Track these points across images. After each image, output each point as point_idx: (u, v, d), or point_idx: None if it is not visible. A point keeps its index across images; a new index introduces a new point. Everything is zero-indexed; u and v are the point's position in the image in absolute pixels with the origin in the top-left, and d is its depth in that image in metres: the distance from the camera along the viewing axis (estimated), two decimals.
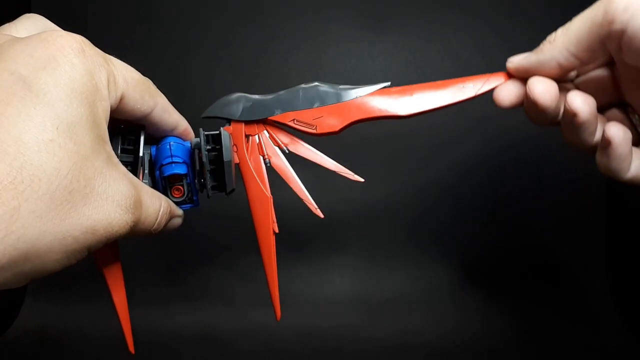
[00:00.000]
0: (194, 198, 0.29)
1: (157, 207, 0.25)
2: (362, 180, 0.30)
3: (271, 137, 0.30)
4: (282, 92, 0.29)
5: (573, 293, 0.60)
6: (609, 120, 0.28)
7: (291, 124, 0.29)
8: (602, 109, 0.28)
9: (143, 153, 0.26)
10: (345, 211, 0.62)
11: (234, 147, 0.30)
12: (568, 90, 0.27)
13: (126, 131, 0.26)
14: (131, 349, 0.31)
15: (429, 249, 0.62)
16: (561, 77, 0.27)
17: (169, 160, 0.27)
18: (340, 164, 0.30)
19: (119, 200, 0.21)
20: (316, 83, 0.29)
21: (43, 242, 0.18)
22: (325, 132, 0.29)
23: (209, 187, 0.29)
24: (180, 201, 0.28)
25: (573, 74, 0.29)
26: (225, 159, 0.28)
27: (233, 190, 0.29)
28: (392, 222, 0.63)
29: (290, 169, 0.30)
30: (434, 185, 0.62)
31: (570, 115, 0.26)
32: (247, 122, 0.30)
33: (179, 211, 0.28)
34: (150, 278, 0.61)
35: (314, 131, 0.29)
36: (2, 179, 0.17)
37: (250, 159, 0.30)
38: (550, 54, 0.27)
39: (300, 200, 0.30)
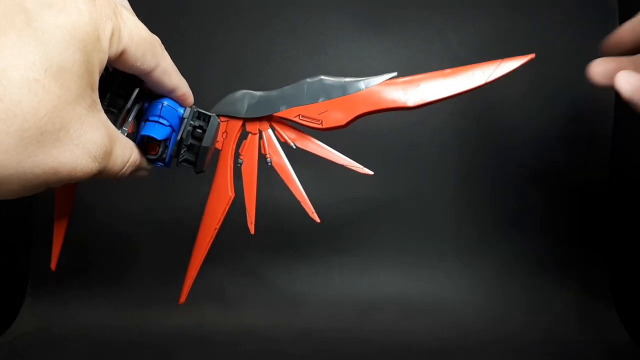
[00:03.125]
0: (167, 159, 0.29)
1: (125, 158, 0.25)
2: (371, 173, 0.30)
3: (277, 133, 0.30)
4: (286, 87, 0.29)
5: (573, 293, 0.60)
6: None
7: (296, 119, 0.29)
8: None
9: (132, 105, 0.26)
10: (345, 211, 0.62)
11: (224, 133, 0.30)
12: None
13: (125, 77, 0.26)
14: (53, 267, 0.31)
15: (429, 248, 0.62)
16: None
17: (156, 119, 0.27)
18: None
19: (89, 148, 0.21)
20: (321, 77, 0.29)
21: (2, 173, 0.18)
22: (332, 126, 0.29)
23: (181, 158, 0.29)
24: (154, 159, 0.28)
25: None
26: (203, 144, 0.29)
27: (202, 172, 0.29)
28: (392, 221, 0.63)
29: (290, 170, 0.30)
30: (435, 185, 0.62)
31: None
32: (250, 120, 0.30)
33: (147, 165, 0.28)
34: (150, 278, 0.61)
35: (320, 126, 0.29)
36: None
37: (245, 156, 0.30)
38: None
39: (311, 194, 0.30)
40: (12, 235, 0.61)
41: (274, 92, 0.29)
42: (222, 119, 0.30)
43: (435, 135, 0.61)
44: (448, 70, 0.29)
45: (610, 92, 0.61)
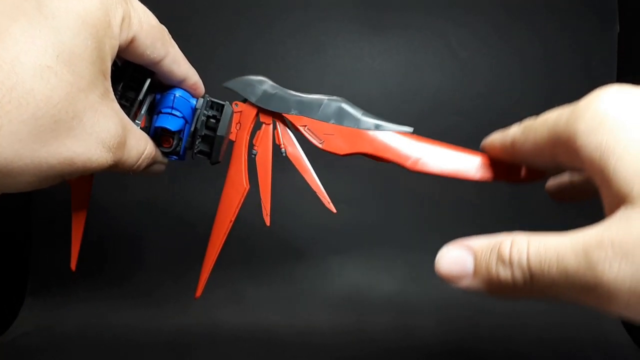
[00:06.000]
0: (181, 152, 0.28)
1: (140, 150, 0.24)
2: (334, 211, 0.30)
3: (276, 132, 0.30)
4: (305, 95, 0.29)
5: None
6: None
7: (301, 129, 0.29)
8: None
9: (144, 97, 0.26)
10: (345, 210, 0.62)
11: (238, 124, 0.29)
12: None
13: (136, 69, 0.26)
14: (73, 267, 0.31)
15: (430, 248, 0.62)
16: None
17: (169, 110, 0.27)
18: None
19: (103, 138, 0.21)
20: (342, 103, 0.29)
21: (18, 163, 0.18)
22: (330, 151, 0.28)
23: (195, 150, 0.29)
24: (168, 152, 0.28)
25: None
26: (218, 133, 0.28)
27: (218, 162, 0.29)
28: (392, 221, 0.63)
29: (305, 160, 0.30)
30: (436, 185, 0.62)
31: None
32: (264, 110, 0.29)
33: (163, 159, 0.28)
34: (151, 278, 0.61)
35: (320, 145, 0.28)
36: None
37: (259, 147, 0.29)
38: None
39: (312, 194, 0.30)
40: (12, 235, 0.61)
41: (292, 93, 0.29)
42: (236, 109, 0.29)
43: (435, 135, 0.61)
44: (466, 151, 0.29)
45: None
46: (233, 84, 0.30)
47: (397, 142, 0.28)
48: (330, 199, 0.30)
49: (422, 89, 0.60)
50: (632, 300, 0.15)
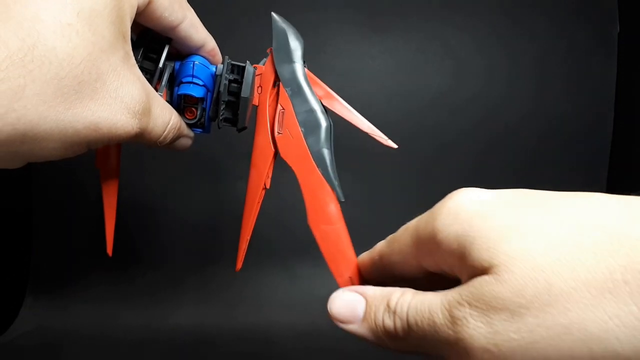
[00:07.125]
0: (206, 124, 0.28)
1: (166, 120, 0.24)
2: (395, 146, 0.29)
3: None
4: (310, 91, 0.28)
5: None
6: None
7: (279, 108, 0.28)
8: None
9: (164, 65, 0.26)
10: (344, 211, 0.62)
11: (259, 88, 0.29)
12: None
13: (153, 39, 0.25)
14: (109, 252, 0.30)
15: None
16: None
17: (189, 79, 0.26)
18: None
19: (128, 102, 0.20)
20: (324, 124, 0.28)
21: (43, 127, 0.17)
22: (278, 145, 0.28)
23: (220, 117, 0.28)
24: (192, 123, 0.27)
25: None
26: (242, 95, 0.27)
27: (245, 128, 0.28)
28: (392, 220, 0.62)
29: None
30: (435, 184, 0.62)
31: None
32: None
33: (189, 132, 0.27)
34: (151, 277, 0.61)
35: (276, 134, 0.28)
36: (12, 54, 0.16)
37: (269, 106, 0.28)
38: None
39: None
40: (13, 235, 0.61)
41: (304, 77, 0.28)
42: (256, 73, 0.29)
43: (434, 134, 0.61)
44: (352, 258, 0.29)
45: (611, 92, 0.61)
46: (278, 19, 0.29)
47: (323, 195, 0.28)
48: None
49: (422, 89, 0.60)
50: (486, 356, 0.16)
